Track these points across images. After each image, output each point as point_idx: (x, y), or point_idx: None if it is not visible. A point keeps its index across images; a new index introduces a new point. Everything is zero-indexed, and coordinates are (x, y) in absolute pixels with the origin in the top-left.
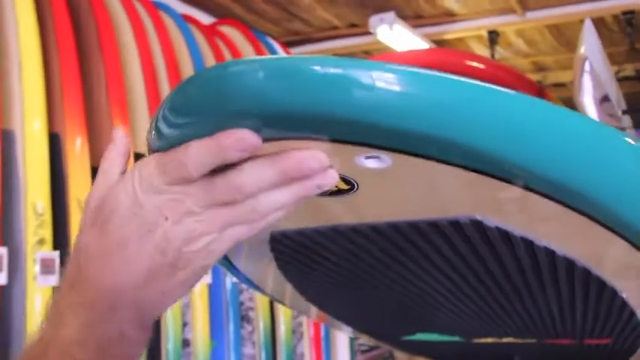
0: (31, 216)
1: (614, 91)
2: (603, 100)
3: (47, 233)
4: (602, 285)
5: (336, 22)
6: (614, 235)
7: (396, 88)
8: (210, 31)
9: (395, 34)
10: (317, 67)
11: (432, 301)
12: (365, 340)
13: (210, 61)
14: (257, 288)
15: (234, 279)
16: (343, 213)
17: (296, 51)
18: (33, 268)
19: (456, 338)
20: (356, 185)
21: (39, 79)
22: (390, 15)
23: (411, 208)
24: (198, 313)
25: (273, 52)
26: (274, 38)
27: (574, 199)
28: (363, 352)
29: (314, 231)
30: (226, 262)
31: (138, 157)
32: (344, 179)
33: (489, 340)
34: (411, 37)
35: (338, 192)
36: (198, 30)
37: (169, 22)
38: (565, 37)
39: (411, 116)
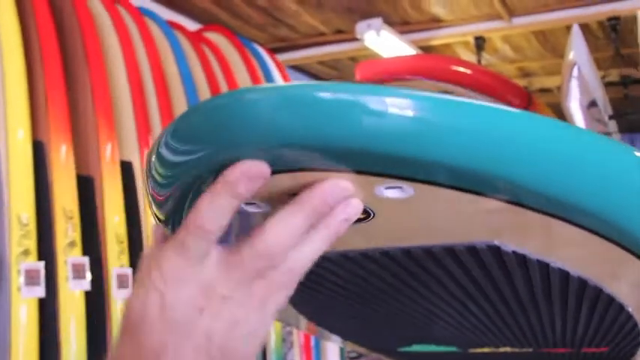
0: (15, 226)
1: (601, 97)
2: (591, 105)
3: (32, 244)
4: (610, 300)
5: (322, 29)
6: (631, 255)
7: (418, 115)
8: (196, 38)
9: (382, 41)
10: (327, 94)
11: (433, 316)
12: (355, 349)
13: (196, 67)
14: None
15: None
16: (354, 238)
17: (282, 58)
18: (17, 280)
19: (452, 349)
20: (372, 214)
21: (22, 86)
22: (377, 21)
23: (427, 234)
24: None
25: (259, 58)
26: (260, 44)
27: (596, 224)
28: (352, 359)
29: (321, 257)
30: None
31: (124, 164)
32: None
33: (486, 349)
34: (397, 43)
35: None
36: (184, 36)
37: (155, 29)
38: (551, 43)
39: (435, 146)
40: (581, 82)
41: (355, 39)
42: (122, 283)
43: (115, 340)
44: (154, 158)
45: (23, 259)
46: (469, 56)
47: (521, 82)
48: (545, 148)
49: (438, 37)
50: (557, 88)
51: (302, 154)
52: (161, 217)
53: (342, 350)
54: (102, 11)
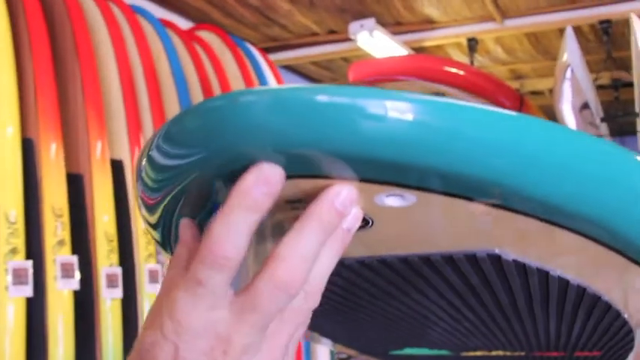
0: (2, 224)
1: (593, 99)
2: (583, 107)
3: (20, 242)
4: (607, 307)
5: (315, 29)
6: (631, 262)
7: (421, 119)
8: (188, 37)
9: (374, 41)
10: (324, 97)
11: (427, 321)
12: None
13: (188, 66)
14: None
15: None
16: (350, 246)
17: (274, 57)
18: (5, 279)
19: (444, 352)
20: (371, 222)
21: (12, 83)
22: (370, 21)
23: (426, 242)
24: None
25: (251, 58)
26: (253, 44)
27: (601, 233)
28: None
29: None
30: None
31: (114, 163)
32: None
33: (478, 353)
34: (390, 43)
35: None
36: (176, 35)
37: (147, 27)
38: (542, 45)
39: (439, 152)
40: (573, 84)
41: (348, 39)
42: (111, 282)
43: None
44: (144, 161)
45: (11, 258)
46: (461, 58)
47: (513, 84)
48: (562, 156)
49: (431, 38)
50: (549, 91)
51: (298, 160)
52: (151, 221)
53: (332, 353)
54: (93, 8)
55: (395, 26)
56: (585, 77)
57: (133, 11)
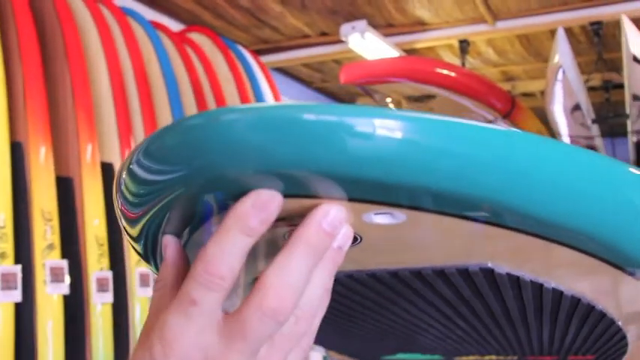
0: None
1: (584, 100)
2: (574, 109)
3: (8, 247)
4: (601, 316)
5: (306, 30)
6: (624, 272)
7: (410, 137)
8: (179, 39)
9: (366, 43)
10: (310, 116)
11: (419, 329)
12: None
13: (179, 68)
14: None
15: None
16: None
17: (266, 59)
18: None
19: (437, 357)
20: (359, 239)
21: (0, 86)
22: (362, 23)
23: (417, 258)
24: None
25: (243, 60)
26: (244, 46)
27: (594, 247)
28: None
29: None
30: None
31: (104, 166)
32: None
33: (471, 358)
34: (382, 45)
35: None
36: (167, 37)
37: (138, 29)
38: (534, 47)
39: (428, 171)
40: (565, 86)
41: (339, 41)
42: (102, 287)
43: None
44: (124, 175)
45: None
46: (453, 59)
47: (505, 86)
48: (552, 172)
49: (423, 40)
50: (540, 93)
51: (283, 180)
52: (132, 233)
53: (325, 359)
54: (83, 10)
55: (386, 28)
56: (576, 79)
57: (123, 13)
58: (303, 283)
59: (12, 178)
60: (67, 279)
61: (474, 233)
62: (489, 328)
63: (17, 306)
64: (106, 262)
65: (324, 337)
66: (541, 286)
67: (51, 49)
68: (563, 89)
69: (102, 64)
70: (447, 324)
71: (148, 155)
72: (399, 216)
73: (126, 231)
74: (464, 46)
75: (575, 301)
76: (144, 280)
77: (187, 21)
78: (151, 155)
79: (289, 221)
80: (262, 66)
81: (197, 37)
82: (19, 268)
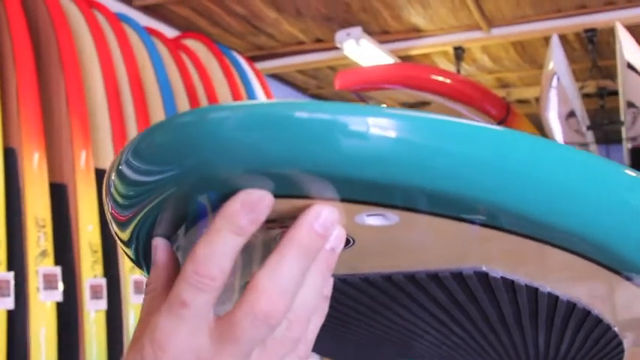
0: None
1: (579, 107)
2: (569, 115)
3: (1, 254)
4: (598, 321)
5: (301, 37)
6: (620, 277)
7: (404, 136)
8: (174, 45)
9: (361, 50)
10: (302, 114)
11: (414, 335)
12: None
13: (174, 74)
14: None
15: None
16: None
17: (261, 66)
18: None
19: None
20: (352, 241)
21: None
22: (357, 30)
23: (410, 261)
24: None
25: (238, 66)
26: (239, 53)
27: (590, 249)
28: None
29: None
30: None
31: (99, 172)
32: None
33: None
34: (377, 52)
35: None
36: (162, 43)
37: (133, 35)
38: (529, 54)
39: (423, 171)
40: (560, 93)
41: (335, 48)
42: (95, 293)
43: None
44: (114, 176)
45: None
46: (448, 66)
47: (500, 93)
48: (548, 172)
49: (418, 47)
50: (535, 99)
51: (274, 180)
52: (123, 237)
53: None
54: (78, 15)
55: (382, 35)
56: (571, 85)
57: (118, 19)
58: (295, 286)
59: (5, 185)
60: (61, 286)
61: (467, 235)
62: (485, 333)
63: (10, 313)
64: (99, 268)
65: (319, 343)
66: (536, 290)
67: (45, 55)
68: (558, 96)
69: (96, 70)
70: (442, 330)
71: (136, 154)
72: (392, 217)
73: (117, 235)
74: (459, 52)
75: (571, 306)
76: (138, 287)
77: (183, 28)
78: (140, 154)
79: (281, 223)
80: (257, 72)
81: (192, 44)
82: (11, 275)
